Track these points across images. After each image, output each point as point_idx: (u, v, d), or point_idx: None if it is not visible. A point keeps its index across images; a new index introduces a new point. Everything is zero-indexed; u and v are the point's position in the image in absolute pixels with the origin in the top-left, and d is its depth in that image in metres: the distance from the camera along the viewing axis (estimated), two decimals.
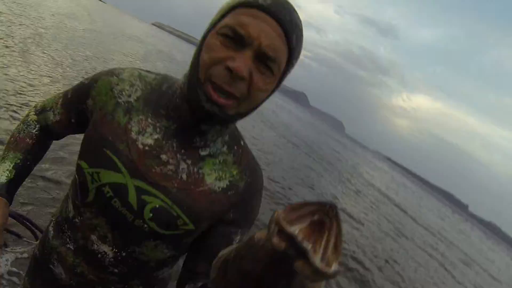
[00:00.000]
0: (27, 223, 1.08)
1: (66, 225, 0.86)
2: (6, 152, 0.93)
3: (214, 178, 0.79)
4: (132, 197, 0.76)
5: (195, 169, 0.78)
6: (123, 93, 0.81)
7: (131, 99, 0.81)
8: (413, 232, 14.80)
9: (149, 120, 0.78)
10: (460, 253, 17.54)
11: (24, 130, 0.96)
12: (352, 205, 11.93)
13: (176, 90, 0.78)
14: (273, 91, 0.74)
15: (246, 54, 0.65)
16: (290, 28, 0.67)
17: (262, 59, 0.66)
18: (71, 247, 0.84)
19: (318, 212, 0.37)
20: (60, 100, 0.94)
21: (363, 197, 15.69)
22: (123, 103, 0.80)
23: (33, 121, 0.98)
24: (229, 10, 0.69)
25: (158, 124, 0.78)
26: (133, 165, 0.76)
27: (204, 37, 0.71)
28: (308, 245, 0.34)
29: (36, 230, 1.10)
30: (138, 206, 0.75)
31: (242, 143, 0.86)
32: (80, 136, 0.87)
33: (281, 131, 21.77)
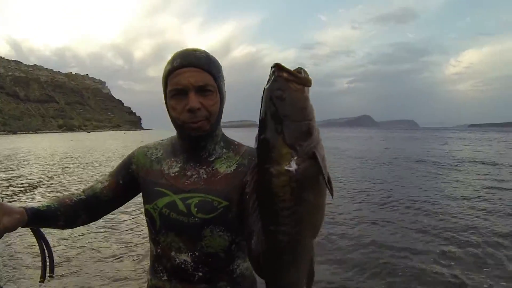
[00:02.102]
0: (46, 253, 1.19)
1: (155, 263, 1.15)
2: (49, 199, 1.18)
3: (225, 167, 1.12)
4: (181, 205, 1.08)
5: (210, 169, 1.12)
6: (153, 154, 1.21)
7: (159, 155, 1.20)
8: None
9: (172, 159, 1.17)
10: None
11: (68, 195, 1.21)
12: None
13: (176, 139, 1.19)
14: (222, 98, 1.11)
15: (191, 95, 1.03)
16: (198, 63, 1.04)
17: (200, 90, 1.04)
18: (164, 276, 1.13)
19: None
20: (107, 175, 1.26)
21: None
22: (154, 159, 1.20)
23: (77, 193, 1.22)
24: (166, 81, 1.08)
25: (177, 159, 1.16)
26: (173, 187, 1.11)
27: (166, 102, 1.10)
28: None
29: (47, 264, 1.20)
30: (186, 209, 1.07)
31: (235, 143, 1.21)
32: None
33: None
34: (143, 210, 1.19)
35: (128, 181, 1.22)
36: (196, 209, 1.07)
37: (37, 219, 1.06)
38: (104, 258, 5.07)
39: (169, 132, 1.16)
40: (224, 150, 1.17)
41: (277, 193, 0.78)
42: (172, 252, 1.10)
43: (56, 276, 4.60)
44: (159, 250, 1.13)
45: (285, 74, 0.77)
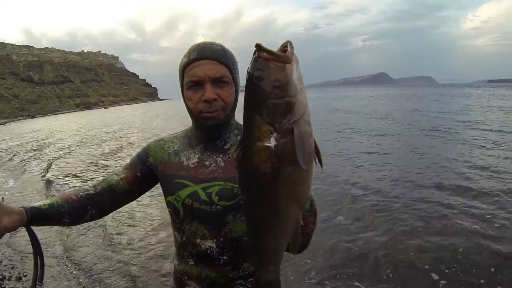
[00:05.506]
0: (38, 257, 1.13)
1: (181, 250, 1.24)
2: (53, 197, 1.18)
3: None
4: (203, 195, 1.15)
5: (227, 156, 1.19)
6: (170, 147, 1.28)
7: (176, 147, 1.26)
8: None
9: (189, 150, 1.23)
10: None
11: (75, 191, 1.20)
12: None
13: (191, 130, 1.26)
14: (237, 89, 1.17)
15: (207, 86, 1.10)
16: (214, 55, 1.11)
17: (216, 81, 1.11)
18: (191, 261, 1.21)
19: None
20: (122, 167, 1.29)
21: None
22: (172, 151, 1.26)
23: (85, 188, 1.22)
24: (183, 73, 1.15)
25: (195, 150, 1.23)
26: (193, 177, 1.18)
27: (183, 93, 1.17)
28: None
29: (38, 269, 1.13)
30: (208, 198, 1.14)
31: None
32: None
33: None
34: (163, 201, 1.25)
35: (145, 174, 1.27)
36: (217, 197, 1.14)
37: (39, 219, 1.05)
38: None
39: None
40: (238, 137, 1.22)
41: (258, 167, 0.84)
42: (197, 240, 1.18)
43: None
44: (184, 238, 1.21)
45: (264, 54, 0.80)
